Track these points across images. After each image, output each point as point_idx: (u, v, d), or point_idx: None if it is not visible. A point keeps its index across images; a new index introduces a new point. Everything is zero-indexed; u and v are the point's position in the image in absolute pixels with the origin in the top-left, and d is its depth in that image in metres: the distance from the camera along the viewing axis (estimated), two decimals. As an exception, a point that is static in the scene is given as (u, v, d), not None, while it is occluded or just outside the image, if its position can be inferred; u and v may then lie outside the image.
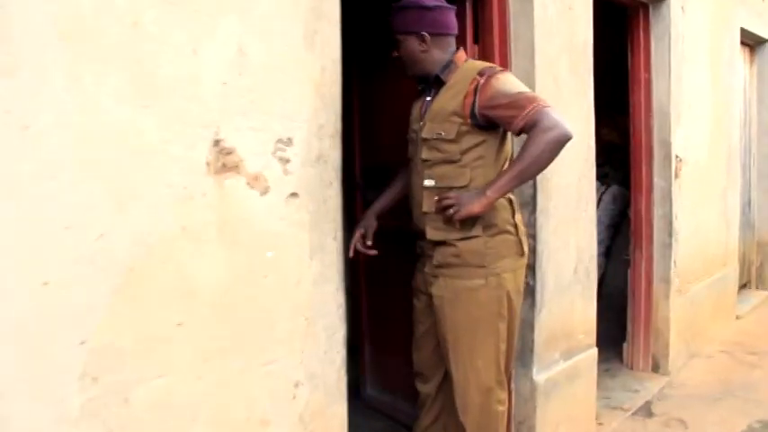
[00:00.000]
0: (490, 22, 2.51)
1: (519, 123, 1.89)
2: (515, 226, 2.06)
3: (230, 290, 1.62)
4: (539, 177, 2.43)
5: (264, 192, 1.68)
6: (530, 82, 2.47)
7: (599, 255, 3.68)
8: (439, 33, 2.03)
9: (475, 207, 1.90)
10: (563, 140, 1.87)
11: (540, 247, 2.58)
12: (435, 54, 2.05)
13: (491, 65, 2.09)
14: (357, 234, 2.28)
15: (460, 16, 2.53)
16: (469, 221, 1.97)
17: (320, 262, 1.82)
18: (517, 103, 1.89)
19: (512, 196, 2.08)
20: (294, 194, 1.75)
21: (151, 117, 1.44)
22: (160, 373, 1.48)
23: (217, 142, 1.58)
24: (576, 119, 2.71)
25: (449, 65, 2.05)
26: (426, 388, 2.25)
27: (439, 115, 2.01)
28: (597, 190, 4.89)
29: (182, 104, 1.50)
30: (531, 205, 2.56)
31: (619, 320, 3.92)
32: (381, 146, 2.99)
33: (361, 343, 3.24)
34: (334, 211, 1.85)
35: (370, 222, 2.30)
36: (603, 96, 3.59)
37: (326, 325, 1.83)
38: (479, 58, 2.48)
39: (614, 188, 5.02)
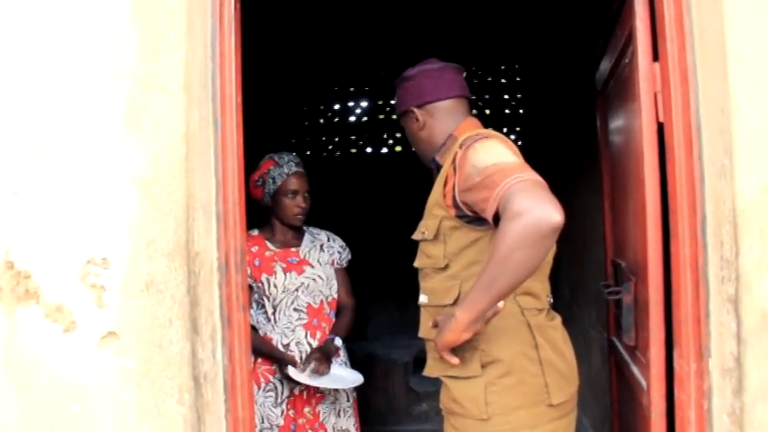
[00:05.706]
0: (661, 19, 1.28)
1: (491, 209, 1.26)
2: (539, 361, 1.42)
3: (24, 444, 1.30)
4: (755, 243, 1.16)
5: (69, 328, 1.29)
6: (725, 121, 1.17)
7: None
8: (428, 101, 1.55)
9: (446, 335, 1.33)
10: (537, 229, 1.18)
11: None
12: (436, 129, 1.56)
13: (480, 131, 1.47)
14: None
15: (627, 17, 1.41)
16: (466, 354, 1.40)
17: (154, 432, 1.28)
18: (488, 180, 1.28)
19: (535, 316, 1.45)
20: (112, 334, 1.28)
21: None
22: None
23: (10, 264, 1.31)
24: None
25: (446, 141, 1.54)
26: None
27: (426, 210, 1.53)
28: None
29: (-36, 221, 1.31)
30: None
31: None
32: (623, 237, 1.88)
33: None
34: (178, 361, 1.27)
35: None
36: None
37: None
38: (661, 83, 1.33)
39: None
